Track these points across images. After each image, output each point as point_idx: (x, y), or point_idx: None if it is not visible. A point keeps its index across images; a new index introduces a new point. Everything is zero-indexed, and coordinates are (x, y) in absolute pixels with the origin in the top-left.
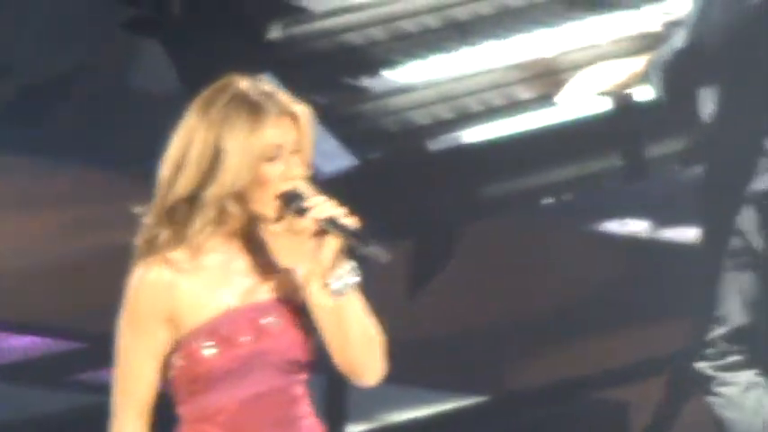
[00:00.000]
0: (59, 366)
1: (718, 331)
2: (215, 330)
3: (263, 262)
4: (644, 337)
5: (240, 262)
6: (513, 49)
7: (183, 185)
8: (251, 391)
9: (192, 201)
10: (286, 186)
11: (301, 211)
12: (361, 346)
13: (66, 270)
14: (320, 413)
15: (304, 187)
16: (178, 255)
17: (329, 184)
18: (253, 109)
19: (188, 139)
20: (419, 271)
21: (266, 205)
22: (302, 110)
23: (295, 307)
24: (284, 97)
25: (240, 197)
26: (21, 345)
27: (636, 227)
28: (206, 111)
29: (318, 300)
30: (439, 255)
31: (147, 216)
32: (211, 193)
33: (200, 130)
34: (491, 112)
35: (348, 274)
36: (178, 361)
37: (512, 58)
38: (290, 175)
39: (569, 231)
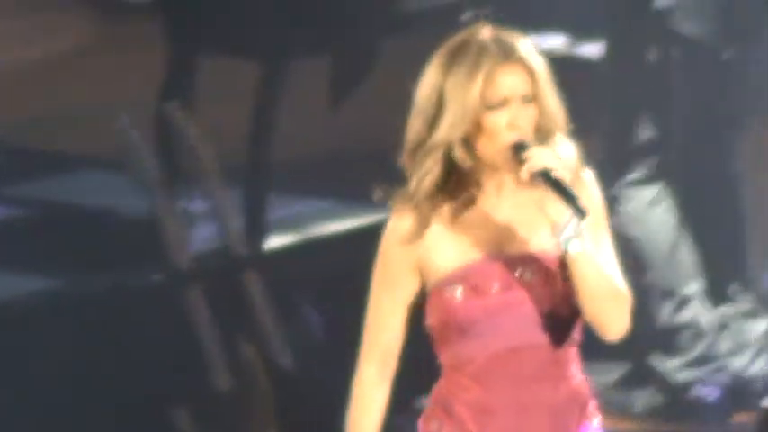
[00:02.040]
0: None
1: (624, 147)
2: (466, 277)
3: (512, 215)
4: None
5: (488, 214)
6: None
7: (414, 132)
8: (503, 344)
9: (425, 145)
10: (512, 136)
11: (522, 162)
12: (602, 299)
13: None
14: (242, 229)
15: (530, 137)
16: (426, 204)
17: (246, 2)
18: (478, 57)
19: (424, 84)
20: (339, 84)
21: (493, 154)
22: (538, 61)
23: (550, 261)
24: (521, 46)
25: (467, 144)
26: None
27: (553, 42)
28: (441, 56)
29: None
30: (357, 69)
31: (404, 159)
32: (435, 138)
33: (431, 75)
34: None
35: (570, 227)
36: (432, 308)
37: None
38: (516, 124)
39: None
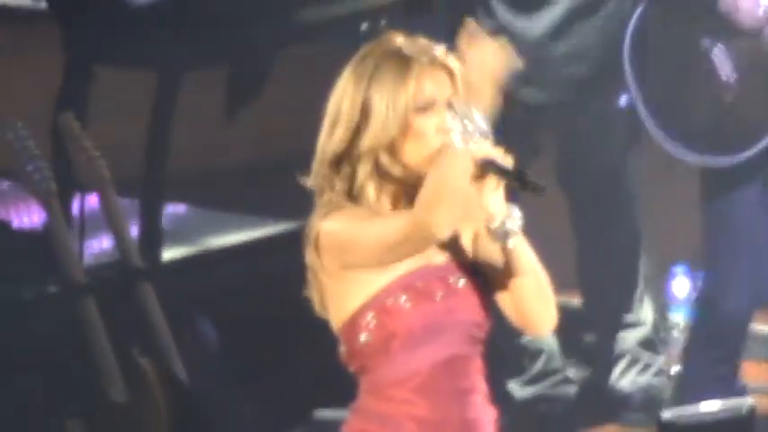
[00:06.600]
0: None
1: None
2: (410, 285)
3: None
4: None
5: None
6: None
7: (338, 140)
8: (444, 353)
9: (350, 155)
10: (439, 140)
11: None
12: (540, 290)
13: None
14: (137, 241)
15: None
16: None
17: (142, 13)
18: (402, 61)
19: (341, 94)
20: (235, 96)
21: (419, 159)
22: (458, 65)
23: (472, 270)
24: (440, 52)
25: (393, 150)
26: None
27: None
28: (358, 66)
29: (489, 245)
30: (254, 80)
31: (313, 175)
32: (363, 146)
33: (351, 84)
34: None
35: (511, 217)
36: (370, 322)
37: None
38: (444, 128)
39: None
